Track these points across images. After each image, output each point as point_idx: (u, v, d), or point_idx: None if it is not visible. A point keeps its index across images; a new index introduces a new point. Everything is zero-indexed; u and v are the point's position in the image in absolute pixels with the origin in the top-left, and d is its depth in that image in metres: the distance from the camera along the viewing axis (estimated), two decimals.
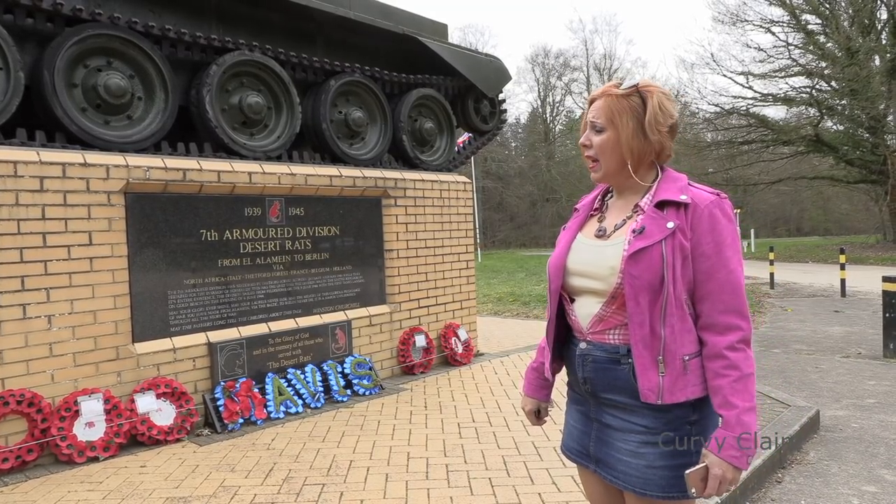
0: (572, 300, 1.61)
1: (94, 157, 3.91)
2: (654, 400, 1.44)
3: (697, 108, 27.24)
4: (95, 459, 3.65)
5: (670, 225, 1.44)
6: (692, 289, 1.46)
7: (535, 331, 8.01)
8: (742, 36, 39.28)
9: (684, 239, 1.44)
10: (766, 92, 24.95)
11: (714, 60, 24.87)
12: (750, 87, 25.03)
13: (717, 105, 25.36)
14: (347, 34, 5.70)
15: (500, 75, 6.87)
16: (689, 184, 1.52)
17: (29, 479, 3.42)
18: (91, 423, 3.68)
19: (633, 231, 1.48)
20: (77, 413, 3.65)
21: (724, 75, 24.52)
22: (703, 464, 1.40)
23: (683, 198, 1.47)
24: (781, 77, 24.14)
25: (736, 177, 29.43)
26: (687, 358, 1.45)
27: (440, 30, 6.38)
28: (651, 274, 1.42)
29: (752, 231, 29.92)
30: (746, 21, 24.24)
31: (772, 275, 13.65)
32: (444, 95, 6.38)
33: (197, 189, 4.36)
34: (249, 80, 4.89)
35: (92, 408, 3.70)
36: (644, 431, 1.48)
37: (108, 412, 3.75)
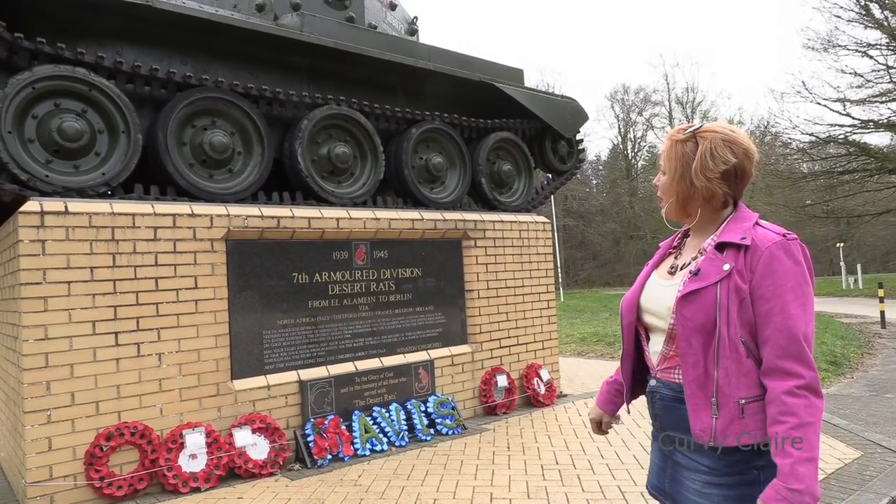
0: (648, 338, 1.64)
1: (199, 207, 4.28)
2: (706, 441, 1.43)
3: (790, 138, 26.03)
4: (197, 490, 3.89)
5: (726, 267, 1.44)
6: (755, 332, 1.43)
7: None
8: (835, 62, 37.42)
9: (741, 281, 1.43)
10: (865, 118, 23.49)
11: (806, 88, 23.71)
12: (847, 115, 23.65)
13: (811, 134, 24.14)
14: (427, 84, 5.97)
15: (577, 116, 6.94)
16: (756, 223, 1.50)
17: None
18: (194, 455, 3.93)
19: (690, 272, 1.51)
20: (182, 445, 3.92)
21: (818, 103, 23.26)
22: None
23: (743, 239, 1.46)
24: (882, 102, 22.71)
25: (838, 208, 27.66)
26: (744, 401, 1.42)
27: (516, 75, 6.56)
28: (704, 316, 1.43)
29: (859, 266, 27.88)
30: (839, 46, 23.12)
31: (882, 313, 12.64)
32: (521, 138, 6.51)
33: (289, 235, 4.66)
34: (337, 132, 5.21)
35: (195, 441, 3.96)
36: (708, 472, 1.47)
37: (209, 445, 4.00)
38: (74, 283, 3.76)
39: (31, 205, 3.70)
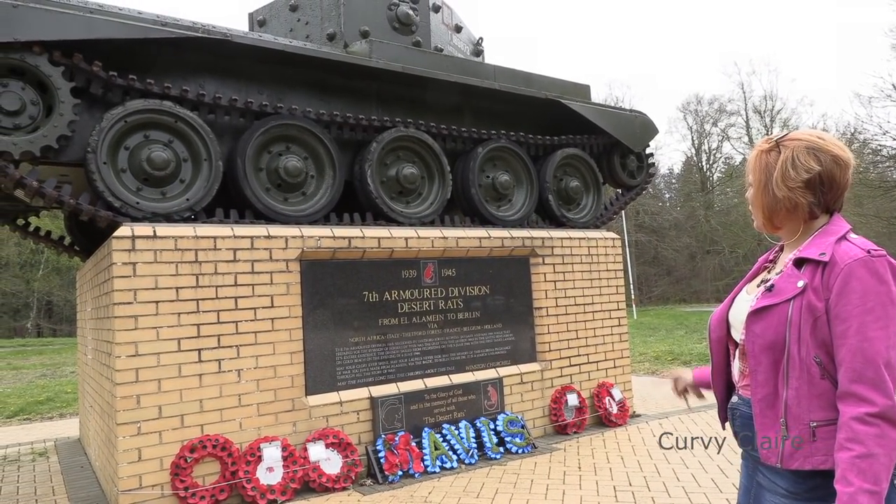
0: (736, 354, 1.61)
1: (275, 230, 4.48)
2: (774, 463, 1.38)
3: (880, 145, 24.52)
4: (274, 502, 4.02)
5: (800, 284, 1.38)
6: (832, 352, 1.36)
7: None
8: None
9: (816, 299, 1.36)
10: None
11: None
12: None
13: None
14: (493, 103, 6.03)
15: (646, 130, 6.81)
16: (843, 237, 1.42)
17: None
18: (271, 469, 4.07)
19: (766, 288, 1.46)
20: (260, 458, 4.07)
21: None
22: None
23: (822, 255, 1.39)
24: None
25: None
26: (815, 424, 1.35)
27: (582, 91, 6.52)
28: (774, 333, 1.39)
29: None
30: None
31: None
32: (589, 153, 6.46)
33: (360, 255, 4.79)
34: (405, 154, 5.33)
35: (272, 454, 4.10)
36: (786, 495, 1.42)
37: (285, 459, 4.13)
38: (162, 303, 4.00)
39: (124, 230, 3.98)
